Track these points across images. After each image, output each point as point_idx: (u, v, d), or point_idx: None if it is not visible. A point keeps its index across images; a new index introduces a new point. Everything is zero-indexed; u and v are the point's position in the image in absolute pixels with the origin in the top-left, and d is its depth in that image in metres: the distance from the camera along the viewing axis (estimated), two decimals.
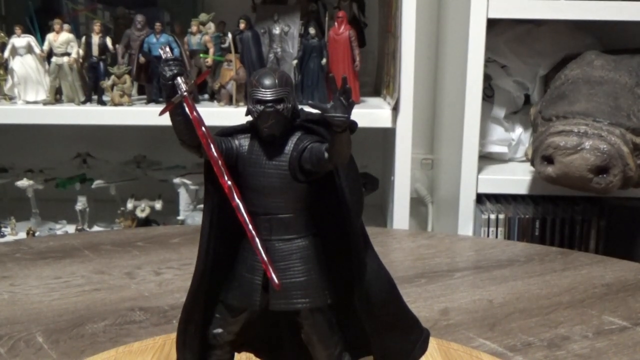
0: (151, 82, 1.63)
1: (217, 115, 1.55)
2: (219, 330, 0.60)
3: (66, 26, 1.60)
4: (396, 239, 1.20)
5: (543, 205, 1.54)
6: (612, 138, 1.30)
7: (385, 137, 1.83)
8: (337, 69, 1.58)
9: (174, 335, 0.62)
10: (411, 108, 1.53)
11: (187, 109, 0.54)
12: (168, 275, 1.00)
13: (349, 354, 0.60)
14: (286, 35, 1.66)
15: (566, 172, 1.31)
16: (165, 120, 0.55)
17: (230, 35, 1.58)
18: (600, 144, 1.29)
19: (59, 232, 1.78)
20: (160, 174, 1.83)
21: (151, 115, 1.57)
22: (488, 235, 1.53)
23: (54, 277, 0.99)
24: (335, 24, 1.61)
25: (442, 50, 1.83)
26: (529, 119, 1.57)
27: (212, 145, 0.54)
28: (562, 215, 1.53)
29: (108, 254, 1.09)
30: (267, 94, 0.54)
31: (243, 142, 0.57)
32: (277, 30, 1.66)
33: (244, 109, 0.57)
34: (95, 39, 1.61)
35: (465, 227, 1.54)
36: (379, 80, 1.80)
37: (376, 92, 1.81)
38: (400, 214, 1.57)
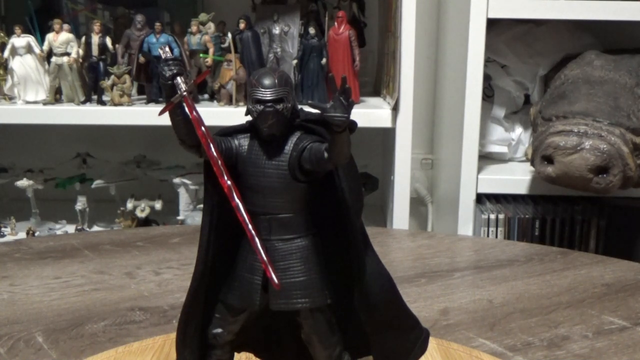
0: (151, 82, 1.63)
1: (217, 115, 1.55)
2: (219, 330, 0.60)
3: (66, 26, 1.60)
4: (396, 239, 1.20)
5: (543, 205, 1.54)
6: (612, 138, 1.30)
7: (385, 137, 1.82)
8: (337, 69, 1.58)
9: (173, 335, 0.62)
10: (411, 108, 1.52)
11: (186, 109, 0.54)
12: (168, 275, 1.00)
13: (349, 354, 0.61)
14: (286, 35, 1.66)
15: (566, 172, 1.31)
16: (165, 120, 0.55)
17: (230, 35, 1.58)
18: (600, 143, 1.29)
19: (58, 232, 1.78)
20: (160, 173, 1.83)
21: (151, 115, 1.57)
22: (488, 235, 1.53)
23: (53, 277, 0.99)
24: (335, 23, 1.61)
25: (442, 50, 1.83)
26: (529, 119, 1.57)
27: (211, 145, 0.54)
28: (562, 215, 1.53)
29: (108, 254, 1.09)
30: (267, 94, 0.54)
31: (243, 142, 0.57)
32: (277, 30, 1.66)
33: (243, 109, 0.57)
34: (95, 39, 1.61)
35: (465, 227, 1.53)
36: (379, 80, 1.80)
37: (376, 92, 1.81)
38: (400, 214, 1.57)
